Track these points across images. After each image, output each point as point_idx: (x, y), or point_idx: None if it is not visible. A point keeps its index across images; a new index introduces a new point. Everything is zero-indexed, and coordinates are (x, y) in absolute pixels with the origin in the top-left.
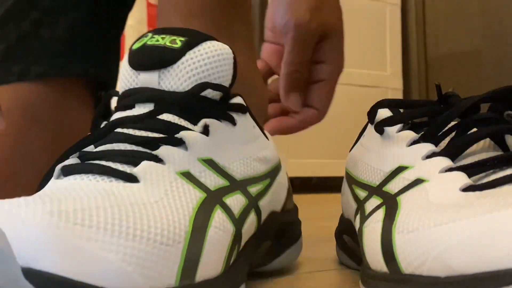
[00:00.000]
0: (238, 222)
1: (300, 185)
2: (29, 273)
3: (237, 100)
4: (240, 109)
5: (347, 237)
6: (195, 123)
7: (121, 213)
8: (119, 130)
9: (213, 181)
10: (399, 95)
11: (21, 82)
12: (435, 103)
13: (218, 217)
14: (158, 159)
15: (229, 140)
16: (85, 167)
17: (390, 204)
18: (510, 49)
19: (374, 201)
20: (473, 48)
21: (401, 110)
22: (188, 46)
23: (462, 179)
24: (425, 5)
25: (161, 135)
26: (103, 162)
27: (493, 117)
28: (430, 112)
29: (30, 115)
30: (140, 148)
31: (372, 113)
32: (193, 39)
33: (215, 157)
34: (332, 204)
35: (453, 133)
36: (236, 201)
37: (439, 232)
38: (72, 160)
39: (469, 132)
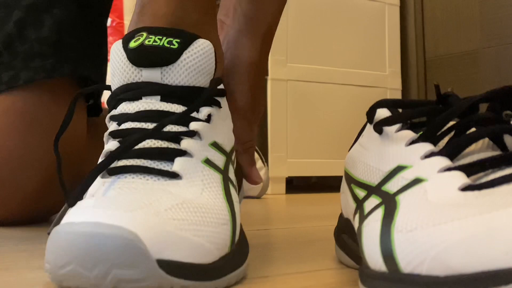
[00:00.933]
0: (237, 193)
1: (300, 184)
2: (161, 263)
3: (221, 85)
4: (222, 93)
5: (346, 236)
6: (197, 110)
7: (191, 208)
8: (140, 125)
9: (220, 159)
10: (398, 95)
11: (12, 90)
12: (434, 103)
13: (233, 193)
14: (186, 153)
15: (219, 121)
16: (133, 168)
17: (389, 204)
18: (509, 50)
19: (373, 201)
20: (472, 48)
21: (400, 110)
22: (183, 47)
23: (461, 178)
24: (423, 5)
25: (180, 129)
26: (144, 162)
27: (492, 117)
28: (429, 112)
29: (27, 116)
30: (166, 144)
31: (371, 113)
32: (185, 40)
33: (216, 139)
34: (331, 203)
35: (452, 133)
36: (232, 173)
37: (438, 231)
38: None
39: (468, 132)
